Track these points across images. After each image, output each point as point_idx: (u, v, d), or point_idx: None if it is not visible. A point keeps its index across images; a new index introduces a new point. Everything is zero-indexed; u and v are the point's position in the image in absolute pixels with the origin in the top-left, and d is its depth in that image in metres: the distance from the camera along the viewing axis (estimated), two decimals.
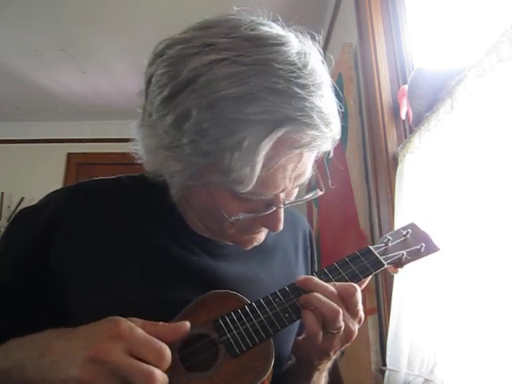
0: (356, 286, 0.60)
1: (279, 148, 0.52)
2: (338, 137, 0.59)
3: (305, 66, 0.53)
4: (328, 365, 0.69)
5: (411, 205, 1.12)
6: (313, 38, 0.59)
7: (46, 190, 0.72)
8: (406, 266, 0.69)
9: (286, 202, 0.59)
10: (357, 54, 1.77)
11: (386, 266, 0.66)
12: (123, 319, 0.50)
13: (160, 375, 0.47)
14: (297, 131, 0.51)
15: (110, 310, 0.52)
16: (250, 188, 0.53)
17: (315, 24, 2.46)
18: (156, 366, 0.47)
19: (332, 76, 1.99)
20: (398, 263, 0.68)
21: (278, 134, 0.50)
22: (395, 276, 1.17)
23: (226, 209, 0.58)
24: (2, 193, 3.54)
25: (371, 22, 1.58)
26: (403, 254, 0.67)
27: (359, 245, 1.50)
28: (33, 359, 0.50)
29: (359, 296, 0.60)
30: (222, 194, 0.57)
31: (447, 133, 0.99)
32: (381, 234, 1.40)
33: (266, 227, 0.62)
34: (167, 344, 0.50)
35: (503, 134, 0.79)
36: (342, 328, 0.58)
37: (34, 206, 0.68)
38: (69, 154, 3.63)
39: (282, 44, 0.53)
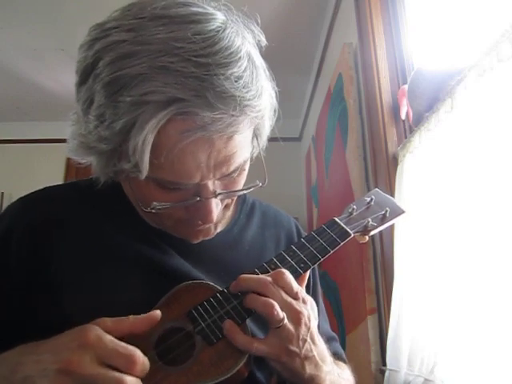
0: (282, 270, 0.58)
1: (172, 131, 0.49)
2: (265, 121, 0.57)
3: (213, 44, 0.49)
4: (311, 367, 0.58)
5: (411, 205, 1.12)
6: (256, 22, 0.58)
7: None
8: (373, 233, 0.68)
9: (218, 193, 0.56)
10: (357, 54, 1.77)
11: (352, 235, 0.65)
12: (92, 327, 0.48)
13: (131, 381, 0.46)
14: (186, 113, 0.48)
15: (83, 315, 0.51)
16: (144, 175, 0.51)
17: (315, 24, 2.46)
18: (129, 372, 0.47)
19: (332, 76, 1.98)
20: (365, 231, 0.67)
21: (164, 115, 0.48)
22: (395, 276, 1.17)
23: (145, 197, 0.56)
24: (2, 193, 3.54)
25: (371, 22, 1.58)
26: (368, 221, 0.67)
27: (359, 245, 1.50)
28: (4, 378, 0.49)
29: (289, 277, 0.57)
30: (140, 182, 0.54)
31: (447, 133, 0.99)
32: (380, 234, 1.40)
33: (199, 219, 0.58)
34: (143, 336, 0.50)
35: (503, 134, 0.79)
36: (285, 318, 0.54)
37: None
38: None
39: (193, 22, 0.51)
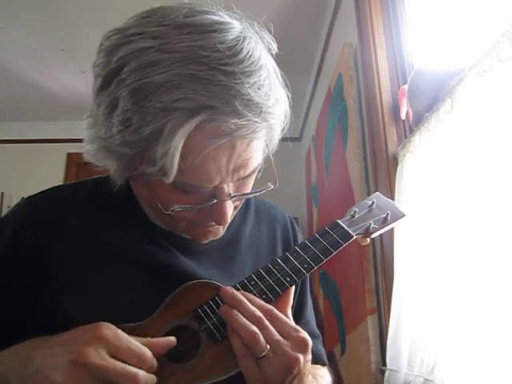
0: (269, 306, 0.57)
1: (200, 137, 0.51)
2: (278, 126, 0.58)
3: (236, 53, 0.51)
4: None
5: (411, 205, 1.12)
6: (268, 30, 0.59)
7: None
8: (374, 235, 0.70)
9: (233, 195, 0.58)
10: (357, 54, 1.77)
11: (355, 237, 0.67)
12: (105, 323, 0.49)
13: (144, 376, 0.47)
14: (215, 119, 0.50)
15: (84, 315, 0.52)
16: (172, 179, 0.52)
17: (315, 24, 2.46)
18: (138, 367, 0.47)
19: (332, 76, 1.98)
20: (366, 233, 0.68)
21: (194, 122, 0.49)
22: (395, 276, 1.17)
23: (164, 200, 0.57)
24: (2, 193, 3.54)
25: (371, 22, 1.58)
26: (370, 224, 0.68)
27: (359, 245, 1.49)
28: (15, 371, 0.49)
29: (277, 314, 0.56)
30: (159, 185, 0.56)
31: (447, 133, 0.99)
32: (381, 235, 1.40)
33: (213, 220, 0.60)
34: (149, 335, 0.51)
35: (503, 134, 0.79)
36: (266, 351, 0.53)
37: (3, 217, 0.68)
38: (69, 154, 3.63)
39: (215, 31, 0.52)
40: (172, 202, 0.56)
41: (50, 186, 0.72)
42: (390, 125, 1.43)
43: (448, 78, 1.03)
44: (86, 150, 0.59)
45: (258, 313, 0.55)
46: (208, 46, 0.51)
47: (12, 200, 3.51)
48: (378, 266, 1.48)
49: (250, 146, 0.55)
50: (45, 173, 3.48)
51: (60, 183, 0.76)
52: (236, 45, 0.52)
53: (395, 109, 1.44)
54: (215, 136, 0.51)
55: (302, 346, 0.55)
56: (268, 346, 0.53)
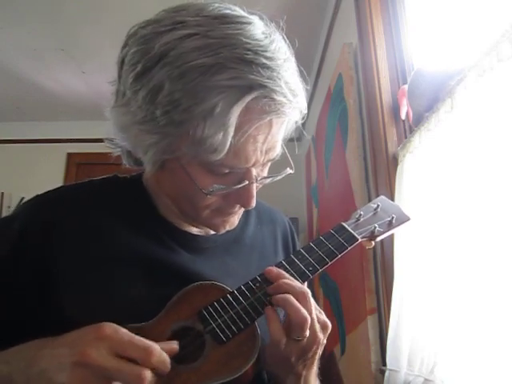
0: (304, 288, 0.59)
1: (249, 114, 0.54)
2: (305, 111, 0.62)
3: (271, 43, 0.56)
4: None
5: (411, 205, 1.12)
6: (277, 25, 0.62)
7: (45, 190, 0.71)
8: (379, 238, 0.70)
9: (259, 178, 0.61)
10: (357, 54, 1.77)
11: (359, 240, 0.67)
12: (108, 323, 0.49)
13: (149, 374, 0.47)
14: (266, 96, 0.53)
15: (85, 315, 0.52)
16: (223, 155, 0.54)
17: (315, 24, 2.46)
18: (145, 364, 0.47)
19: (332, 76, 1.98)
20: (371, 236, 0.69)
21: (249, 98, 0.52)
22: (395, 276, 1.17)
23: (203, 181, 0.59)
24: (2, 193, 3.54)
25: (371, 22, 1.57)
26: (375, 227, 0.69)
27: (359, 245, 1.49)
28: (20, 371, 0.49)
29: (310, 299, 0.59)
30: (195, 167, 0.58)
31: (447, 133, 0.99)
32: None
33: (240, 204, 0.63)
34: (154, 336, 0.51)
35: (503, 134, 0.79)
36: (307, 335, 0.57)
37: (6, 216, 0.69)
38: (69, 154, 3.63)
39: (249, 23, 0.56)
40: (210, 183, 0.58)
41: (50, 186, 0.72)
42: (390, 125, 1.43)
43: (448, 78, 1.03)
44: (122, 138, 0.61)
45: (305, 288, 0.59)
46: (247, 35, 0.54)
47: (12, 200, 3.51)
48: (378, 266, 1.48)
49: (282, 127, 0.59)
50: (45, 173, 3.48)
51: (60, 183, 0.76)
52: (266, 37, 0.56)
53: (395, 109, 1.44)
54: (263, 113, 0.54)
55: (323, 328, 0.59)
56: (309, 331, 0.57)
